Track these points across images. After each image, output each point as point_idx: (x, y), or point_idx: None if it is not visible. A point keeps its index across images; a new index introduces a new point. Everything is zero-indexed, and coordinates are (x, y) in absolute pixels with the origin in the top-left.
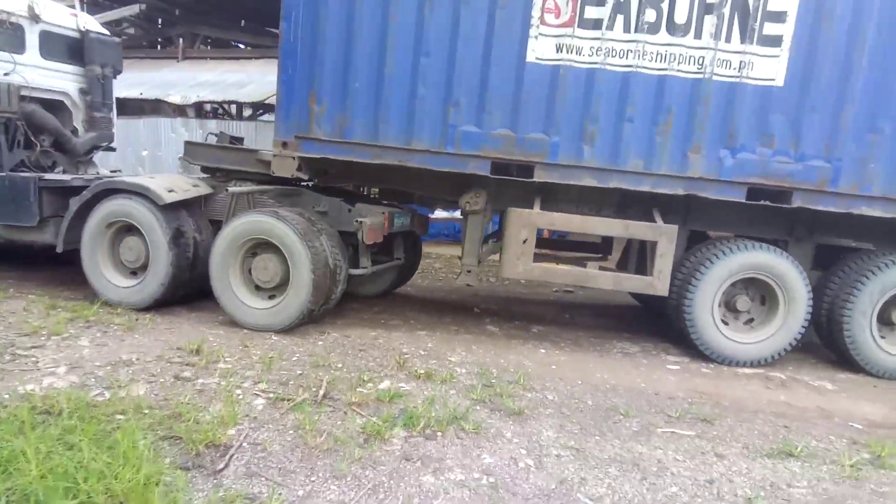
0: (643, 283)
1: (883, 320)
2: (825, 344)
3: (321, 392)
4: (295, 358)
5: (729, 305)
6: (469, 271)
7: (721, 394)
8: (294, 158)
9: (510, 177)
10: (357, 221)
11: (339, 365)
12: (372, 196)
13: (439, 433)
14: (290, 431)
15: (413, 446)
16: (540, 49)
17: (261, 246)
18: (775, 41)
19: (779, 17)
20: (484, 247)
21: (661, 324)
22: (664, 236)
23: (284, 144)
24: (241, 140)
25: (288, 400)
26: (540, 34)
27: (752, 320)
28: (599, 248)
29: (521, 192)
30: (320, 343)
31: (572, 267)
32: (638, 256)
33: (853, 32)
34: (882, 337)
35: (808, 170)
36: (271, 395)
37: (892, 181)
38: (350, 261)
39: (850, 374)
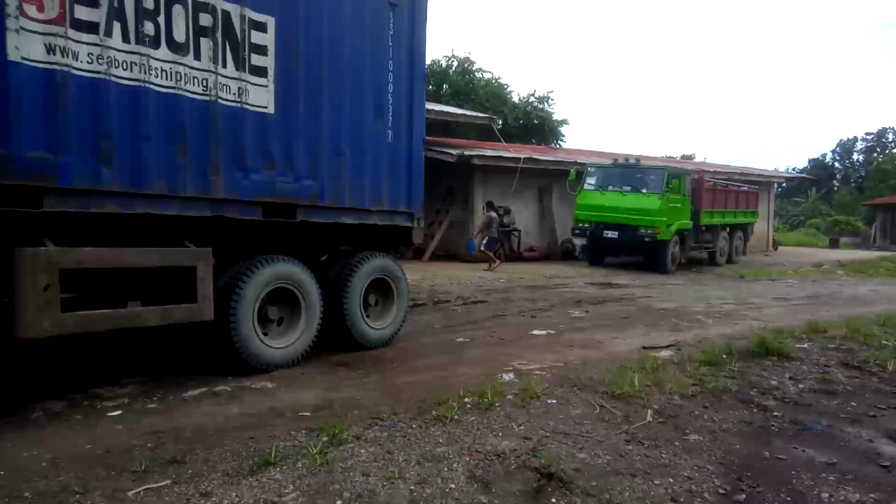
0: (191, 312)
1: (367, 302)
2: (330, 331)
3: None
4: None
5: (261, 316)
6: None
7: (179, 426)
8: None
9: (8, 207)
10: None
11: None
12: None
13: None
14: None
15: None
16: (26, 47)
17: None
18: (262, 72)
19: (261, 49)
20: None
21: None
22: (201, 260)
23: None
24: None
25: None
26: (22, 28)
27: (280, 326)
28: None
29: (13, 225)
30: None
31: (113, 310)
32: (167, 286)
33: (315, 74)
34: (368, 315)
35: (302, 188)
36: None
37: (355, 195)
38: None
39: (277, 371)
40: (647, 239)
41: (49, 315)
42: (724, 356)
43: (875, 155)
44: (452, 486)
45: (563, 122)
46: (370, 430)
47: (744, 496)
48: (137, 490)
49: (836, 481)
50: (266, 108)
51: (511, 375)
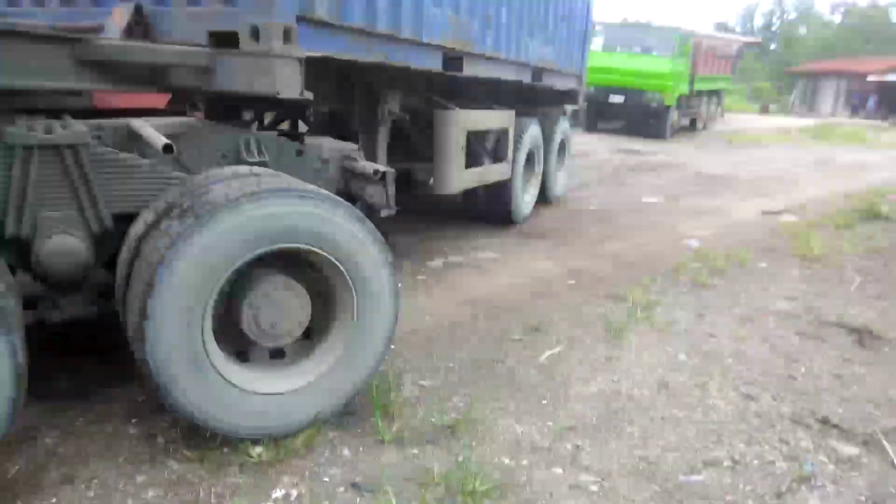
0: (506, 170)
1: None
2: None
3: None
4: None
5: None
6: None
7: (475, 297)
8: (299, 61)
9: (447, 71)
10: (377, 172)
11: None
12: None
13: None
14: None
15: None
16: None
17: None
18: None
19: None
20: None
21: None
22: (511, 122)
23: (286, 33)
24: None
25: None
26: None
27: None
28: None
29: (413, 90)
30: None
31: (478, 168)
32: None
33: None
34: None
35: (548, 52)
36: None
37: (566, 58)
38: None
39: (485, 241)
40: (653, 104)
41: (462, 172)
42: (844, 220)
43: (774, 19)
44: (794, 341)
45: None
46: (648, 295)
47: None
48: (544, 355)
49: None
50: None
51: (696, 242)
